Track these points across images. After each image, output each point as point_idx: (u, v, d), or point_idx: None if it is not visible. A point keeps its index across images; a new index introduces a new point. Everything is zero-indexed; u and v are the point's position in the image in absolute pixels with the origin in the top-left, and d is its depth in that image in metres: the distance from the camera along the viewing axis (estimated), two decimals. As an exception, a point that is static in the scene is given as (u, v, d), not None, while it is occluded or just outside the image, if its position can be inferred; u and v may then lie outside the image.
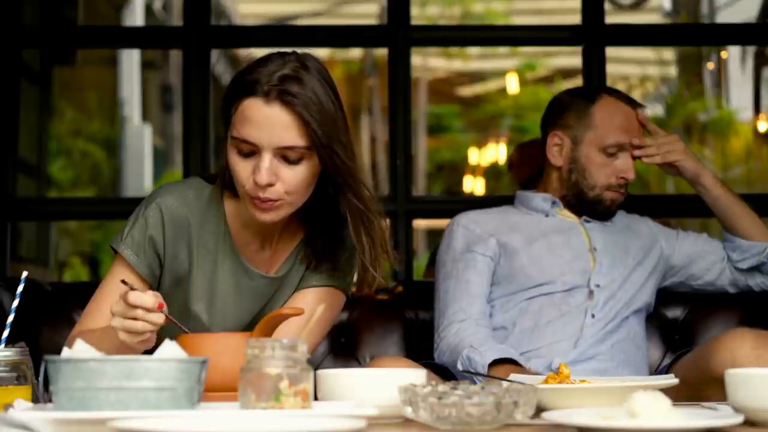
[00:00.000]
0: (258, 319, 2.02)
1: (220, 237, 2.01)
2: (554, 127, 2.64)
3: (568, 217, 2.62)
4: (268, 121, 1.82)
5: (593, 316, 2.49)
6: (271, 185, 1.84)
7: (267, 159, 1.83)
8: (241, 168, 1.86)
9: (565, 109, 2.65)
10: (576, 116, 2.62)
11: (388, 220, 2.06)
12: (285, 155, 1.84)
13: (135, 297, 1.68)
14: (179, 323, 1.78)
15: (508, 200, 2.75)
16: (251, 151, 1.84)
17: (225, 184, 1.99)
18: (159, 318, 1.69)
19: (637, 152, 2.59)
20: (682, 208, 3.64)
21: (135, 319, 1.69)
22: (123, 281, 1.80)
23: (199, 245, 2.00)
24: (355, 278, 2.07)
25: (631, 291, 2.55)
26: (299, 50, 1.92)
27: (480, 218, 2.62)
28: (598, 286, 2.52)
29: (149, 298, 1.69)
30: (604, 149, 2.57)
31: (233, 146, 1.86)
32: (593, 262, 2.55)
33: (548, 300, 2.51)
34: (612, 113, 2.59)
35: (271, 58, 1.88)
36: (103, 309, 1.94)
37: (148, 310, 1.68)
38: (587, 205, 2.60)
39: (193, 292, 2.00)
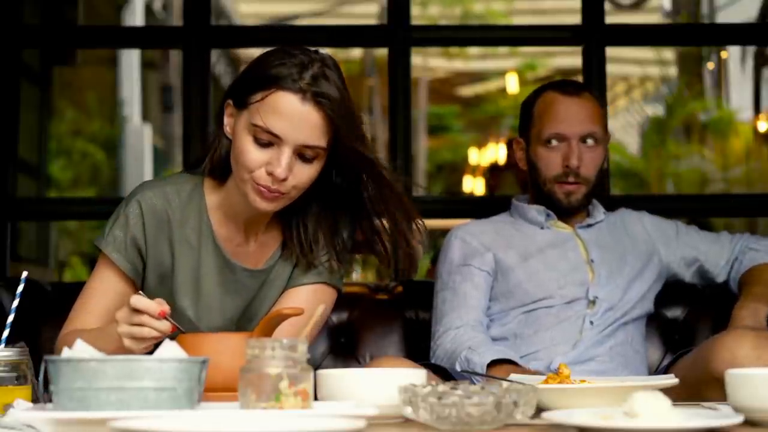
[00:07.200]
0: (245, 315, 2.03)
1: (202, 232, 2.02)
2: (518, 133, 2.67)
3: (562, 228, 2.61)
4: (300, 119, 1.85)
5: (591, 323, 2.48)
6: (284, 180, 1.86)
7: (287, 154, 1.85)
8: (255, 156, 1.87)
9: (520, 114, 2.68)
10: (524, 118, 2.65)
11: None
12: (303, 153, 1.87)
13: (137, 301, 1.70)
14: (180, 327, 1.78)
15: (509, 201, 2.74)
16: (269, 142, 1.86)
17: (210, 171, 1.99)
18: (165, 326, 1.71)
19: None
20: (682, 208, 3.65)
21: (141, 325, 1.70)
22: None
23: (180, 241, 2.01)
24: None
25: (630, 300, 2.54)
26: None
27: (476, 230, 2.62)
28: (597, 297, 2.51)
29: (153, 304, 1.70)
30: (543, 142, 2.56)
31: (250, 132, 1.87)
32: (591, 273, 2.54)
33: (546, 311, 2.51)
34: (547, 105, 2.58)
35: (293, 53, 1.89)
36: (90, 308, 1.97)
37: (153, 316, 1.69)
38: (549, 202, 2.59)
39: (178, 288, 2.01)
